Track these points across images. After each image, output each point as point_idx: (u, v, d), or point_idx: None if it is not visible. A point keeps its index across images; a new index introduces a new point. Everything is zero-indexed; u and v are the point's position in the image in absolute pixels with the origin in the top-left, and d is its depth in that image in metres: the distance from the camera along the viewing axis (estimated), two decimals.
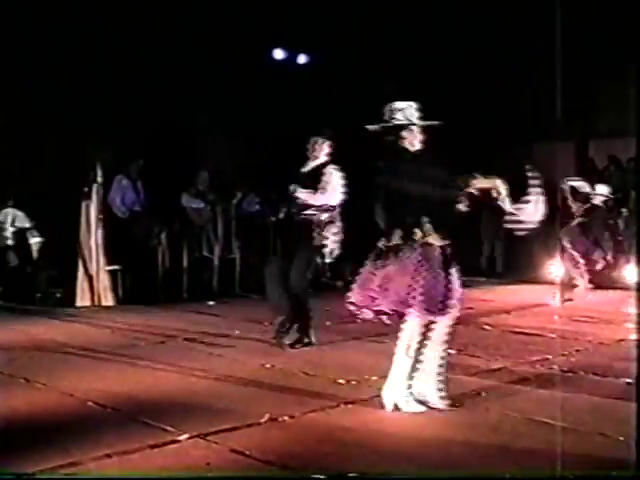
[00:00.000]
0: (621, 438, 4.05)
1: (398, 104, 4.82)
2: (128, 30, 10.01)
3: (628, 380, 5.38)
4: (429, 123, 4.84)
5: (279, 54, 12.41)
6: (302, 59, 12.69)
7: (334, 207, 6.67)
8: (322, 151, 6.75)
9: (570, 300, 9.27)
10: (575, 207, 9.84)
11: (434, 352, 4.61)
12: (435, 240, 4.57)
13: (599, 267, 9.31)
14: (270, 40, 11.93)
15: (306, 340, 6.67)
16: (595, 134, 13.57)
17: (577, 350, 6.59)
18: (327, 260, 12.31)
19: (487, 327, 7.21)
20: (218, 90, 11.46)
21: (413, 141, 4.77)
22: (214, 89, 11.48)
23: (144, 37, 10.16)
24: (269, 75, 11.65)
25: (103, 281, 9.62)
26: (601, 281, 11.65)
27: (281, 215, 7.19)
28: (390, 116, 4.80)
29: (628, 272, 11.61)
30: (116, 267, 9.75)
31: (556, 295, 9.20)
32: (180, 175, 10.53)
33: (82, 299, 9.53)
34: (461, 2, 11.40)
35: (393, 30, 11.50)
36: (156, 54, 10.47)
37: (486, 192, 4.62)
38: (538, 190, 6.12)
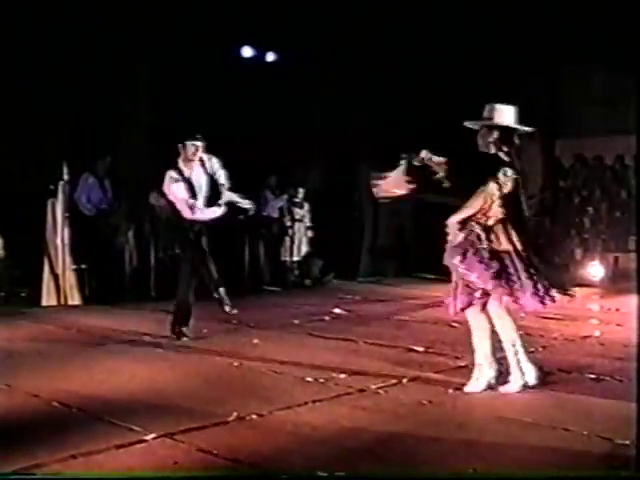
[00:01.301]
0: (585, 433, 4.10)
1: (501, 107, 4.72)
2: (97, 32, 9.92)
3: (592, 376, 5.47)
4: (528, 129, 4.77)
5: (247, 52, 12.34)
6: (270, 57, 12.63)
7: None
8: (197, 156, 6.75)
9: None
10: None
11: None
12: None
13: None
14: (239, 37, 11.86)
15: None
16: (561, 134, 13.72)
17: (543, 347, 6.66)
18: (296, 259, 12.38)
19: (455, 324, 7.24)
20: (186, 89, 11.38)
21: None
22: (183, 87, 11.41)
23: (121, 37, 10.07)
24: (237, 73, 11.57)
25: (69, 280, 9.52)
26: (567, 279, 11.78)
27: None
28: (490, 115, 4.72)
29: (593, 270, 11.78)
30: (83, 266, 9.65)
31: None
32: (148, 173, 10.44)
33: (48, 298, 9.42)
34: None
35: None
36: (131, 55, 10.40)
37: None
38: None
